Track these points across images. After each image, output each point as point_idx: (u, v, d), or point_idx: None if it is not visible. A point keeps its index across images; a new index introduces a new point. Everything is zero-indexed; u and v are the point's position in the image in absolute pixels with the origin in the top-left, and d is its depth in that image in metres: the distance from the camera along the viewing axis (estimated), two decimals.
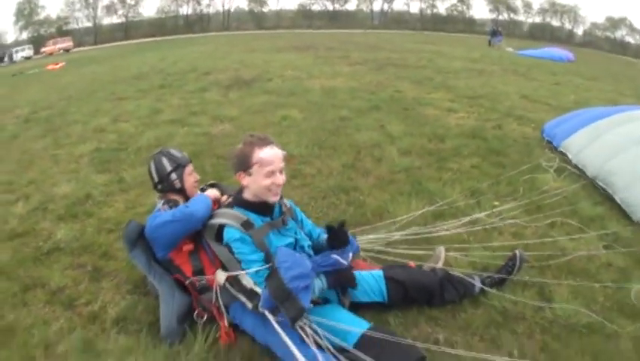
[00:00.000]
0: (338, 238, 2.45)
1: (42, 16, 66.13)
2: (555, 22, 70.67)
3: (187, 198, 2.83)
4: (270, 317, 2.17)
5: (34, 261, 3.59)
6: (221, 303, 2.47)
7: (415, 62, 15.89)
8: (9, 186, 5.33)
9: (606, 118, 5.71)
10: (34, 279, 3.32)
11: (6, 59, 45.82)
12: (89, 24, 68.72)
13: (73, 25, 67.26)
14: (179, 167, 2.83)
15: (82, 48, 52.85)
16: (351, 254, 2.47)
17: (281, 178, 2.39)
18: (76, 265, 3.47)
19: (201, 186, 2.98)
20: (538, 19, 72.16)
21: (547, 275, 3.20)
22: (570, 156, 5.45)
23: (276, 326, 2.17)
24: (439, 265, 2.98)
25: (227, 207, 2.51)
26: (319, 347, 2.14)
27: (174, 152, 2.89)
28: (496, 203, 4.28)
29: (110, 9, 68.94)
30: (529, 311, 2.79)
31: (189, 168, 2.89)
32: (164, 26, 67.41)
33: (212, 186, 2.97)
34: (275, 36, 37.89)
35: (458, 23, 70.34)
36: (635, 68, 30.06)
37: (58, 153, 6.44)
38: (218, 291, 2.45)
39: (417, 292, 2.65)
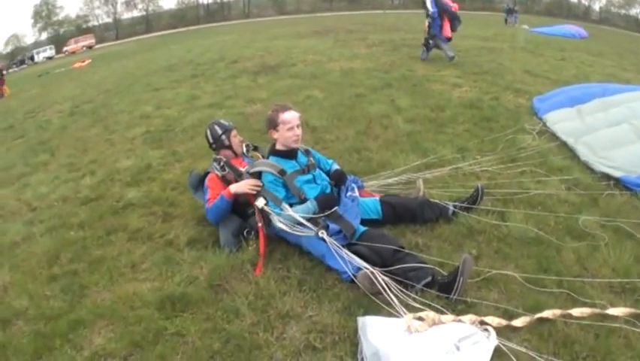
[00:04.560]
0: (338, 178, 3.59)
1: (61, 16, 67.22)
2: None
3: (235, 153, 3.91)
4: (327, 238, 3.02)
5: (112, 214, 4.48)
6: (259, 222, 3.37)
7: None
8: (72, 167, 6.23)
9: (587, 103, 6.13)
10: (115, 225, 4.20)
11: (27, 61, 46.67)
12: (109, 20, 69.45)
13: (93, 23, 68.14)
14: (226, 131, 3.93)
15: (104, 44, 53.69)
16: (356, 188, 3.56)
17: (298, 131, 3.46)
18: (148, 213, 4.36)
19: (246, 143, 4.05)
20: None
21: (509, 207, 3.83)
22: (548, 125, 5.93)
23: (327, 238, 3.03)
24: (420, 194, 3.83)
25: (265, 158, 3.58)
26: None
27: (223, 121, 4.03)
28: (478, 156, 4.97)
29: (129, 4, 69.65)
30: (489, 228, 3.50)
31: (234, 132, 3.96)
32: (185, 17, 67.75)
33: (255, 148, 4.07)
34: (296, 22, 38.10)
35: (477, 1, 67.07)
36: None
37: (112, 137, 7.33)
38: (257, 213, 3.37)
39: (403, 211, 3.53)
